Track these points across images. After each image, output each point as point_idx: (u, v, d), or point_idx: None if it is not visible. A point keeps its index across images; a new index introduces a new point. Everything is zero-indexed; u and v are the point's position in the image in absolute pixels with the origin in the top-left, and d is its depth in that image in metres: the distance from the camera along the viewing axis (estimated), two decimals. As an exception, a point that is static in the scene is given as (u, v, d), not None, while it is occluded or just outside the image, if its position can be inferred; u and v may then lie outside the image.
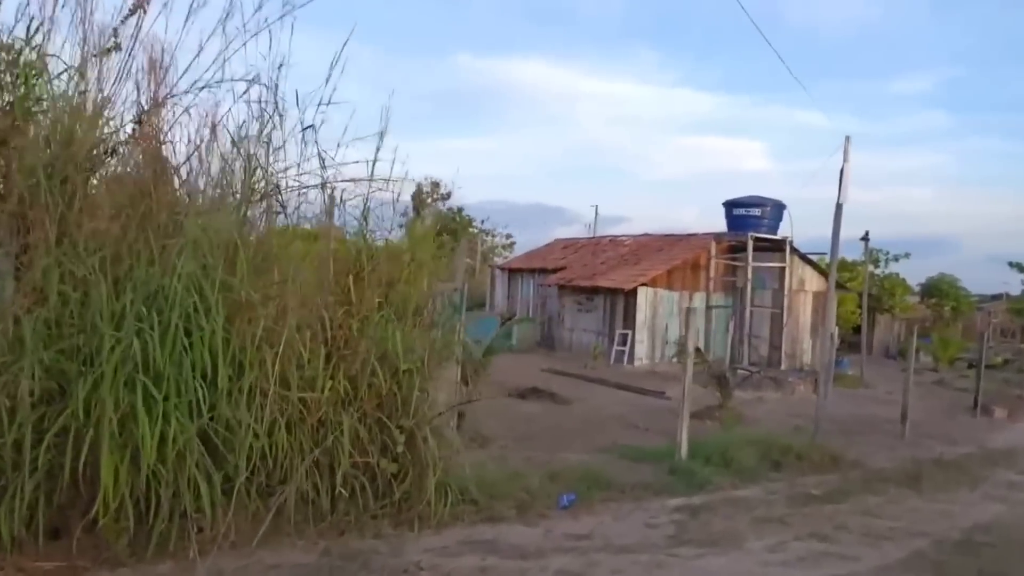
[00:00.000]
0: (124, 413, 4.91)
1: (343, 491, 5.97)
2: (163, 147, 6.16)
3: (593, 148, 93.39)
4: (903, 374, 14.16)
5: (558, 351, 26.11)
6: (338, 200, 6.60)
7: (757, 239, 24.21)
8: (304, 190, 6.40)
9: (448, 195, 54.18)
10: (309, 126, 6.22)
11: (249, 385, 5.43)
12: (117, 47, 6.43)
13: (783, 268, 24.94)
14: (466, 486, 6.73)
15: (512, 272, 32.68)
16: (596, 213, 45.38)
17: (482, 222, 54.18)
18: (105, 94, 5.79)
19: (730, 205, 25.15)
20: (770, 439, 10.60)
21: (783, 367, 23.98)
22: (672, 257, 25.23)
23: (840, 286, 28.18)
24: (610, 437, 11.65)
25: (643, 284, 23.74)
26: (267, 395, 5.47)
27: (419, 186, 53.32)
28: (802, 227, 45.65)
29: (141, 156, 5.89)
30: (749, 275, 24.30)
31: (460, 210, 53.29)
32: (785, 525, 7.22)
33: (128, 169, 5.92)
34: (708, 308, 24.82)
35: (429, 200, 54.40)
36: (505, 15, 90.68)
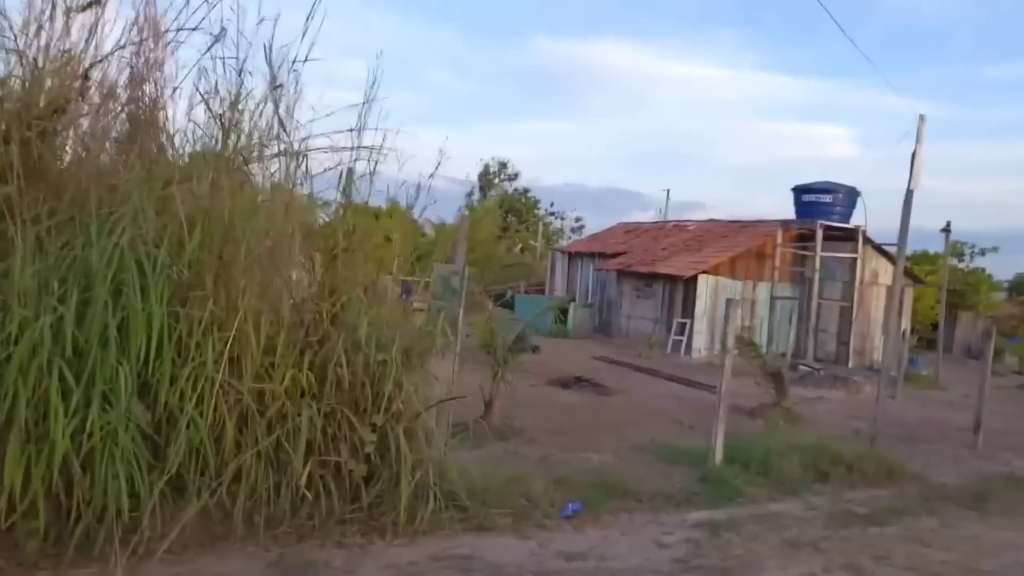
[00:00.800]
0: (42, 400, 4.41)
1: (307, 493, 5.39)
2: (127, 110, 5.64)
3: (672, 132, 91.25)
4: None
5: (615, 338, 25.29)
6: (317, 171, 5.94)
7: (827, 228, 22.84)
8: (277, 158, 5.77)
9: (515, 176, 53.82)
10: (278, 85, 5.58)
11: (192, 373, 4.86)
12: (97, 1, 5.95)
13: (855, 259, 23.45)
14: (454, 490, 6.06)
15: (573, 256, 31.90)
16: (667, 198, 44.04)
17: (551, 204, 53.45)
18: (52, 49, 5.26)
19: (799, 191, 23.81)
20: (820, 445, 9.57)
21: (851, 364, 22.61)
22: (736, 244, 24.04)
23: (917, 280, 26.47)
24: (648, 434, 10.86)
25: (704, 272, 22.69)
26: (214, 384, 4.89)
27: (487, 166, 53.19)
28: (882, 217, 43.18)
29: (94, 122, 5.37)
30: (817, 265, 22.94)
31: (526, 191, 52.69)
32: (817, 551, 6.30)
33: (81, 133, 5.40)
34: (773, 299, 23.60)
35: (496, 180, 54.15)
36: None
